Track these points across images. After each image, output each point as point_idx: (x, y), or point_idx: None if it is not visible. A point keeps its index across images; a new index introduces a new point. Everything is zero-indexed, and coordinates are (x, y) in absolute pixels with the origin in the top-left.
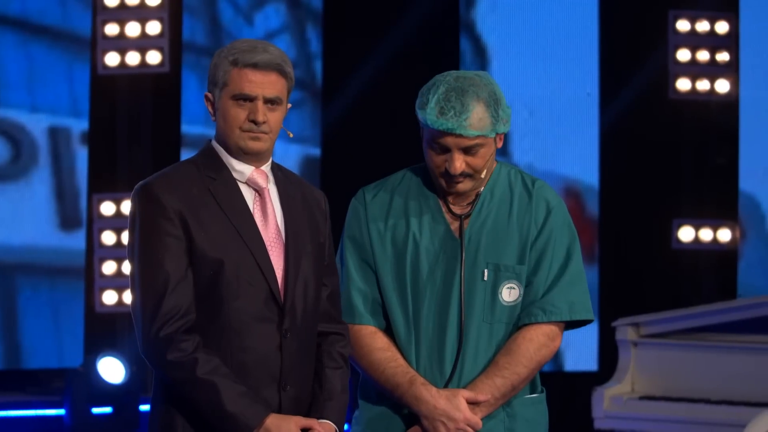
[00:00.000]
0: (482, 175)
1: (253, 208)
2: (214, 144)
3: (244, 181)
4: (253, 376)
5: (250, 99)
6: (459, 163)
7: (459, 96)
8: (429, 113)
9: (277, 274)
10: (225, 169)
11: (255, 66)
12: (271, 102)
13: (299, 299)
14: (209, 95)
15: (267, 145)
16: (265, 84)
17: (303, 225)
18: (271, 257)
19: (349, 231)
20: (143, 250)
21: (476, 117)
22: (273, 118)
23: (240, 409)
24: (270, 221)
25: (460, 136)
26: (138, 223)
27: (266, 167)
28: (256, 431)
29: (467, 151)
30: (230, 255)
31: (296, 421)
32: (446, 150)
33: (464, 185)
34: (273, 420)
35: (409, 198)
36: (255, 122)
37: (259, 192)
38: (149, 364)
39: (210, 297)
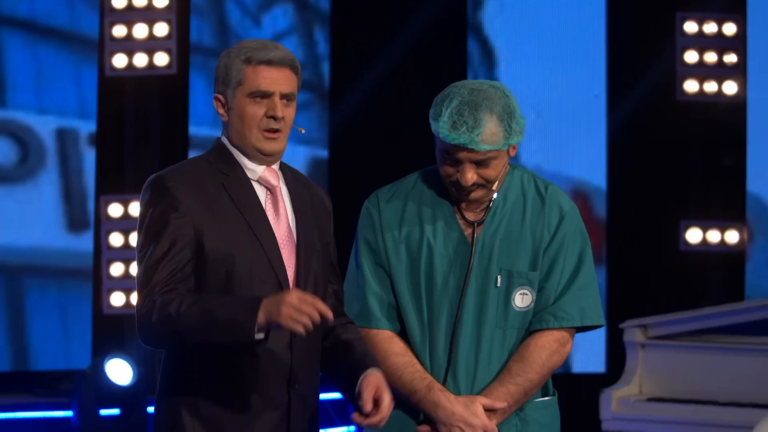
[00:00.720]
0: (494, 186)
1: (266, 206)
2: (225, 141)
3: (256, 179)
4: (264, 373)
5: (267, 95)
6: (470, 175)
7: (472, 110)
8: (441, 126)
9: (288, 273)
10: (238, 167)
11: (270, 62)
12: (286, 98)
13: None
14: (220, 96)
15: (283, 145)
16: (280, 80)
17: (312, 224)
18: (283, 255)
19: (363, 235)
20: (149, 248)
21: (489, 132)
22: (288, 114)
23: (235, 307)
24: (282, 219)
25: (472, 150)
26: (148, 217)
27: (276, 166)
28: (261, 313)
29: (479, 163)
30: (243, 251)
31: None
32: (458, 162)
33: (476, 194)
34: (266, 299)
35: (423, 204)
36: (274, 117)
37: (271, 190)
38: (149, 344)
39: (223, 293)
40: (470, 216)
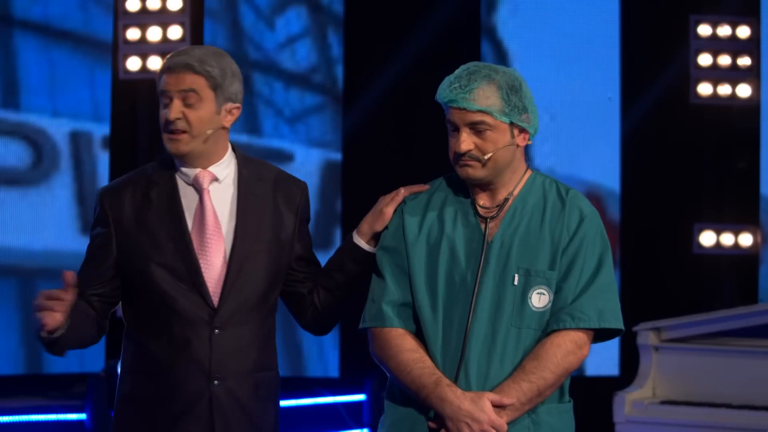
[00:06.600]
0: (497, 165)
1: (196, 210)
2: None
3: (190, 183)
4: (179, 366)
5: (169, 96)
6: (465, 140)
7: (471, 74)
8: (440, 89)
9: (212, 274)
10: (173, 173)
11: (169, 69)
12: (186, 98)
13: (235, 297)
14: None
15: (188, 147)
16: (177, 81)
17: (260, 223)
18: (208, 258)
19: (384, 239)
20: (85, 259)
21: (482, 93)
22: (192, 115)
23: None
24: (210, 222)
25: (464, 109)
26: (91, 228)
27: (217, 167)
28: None
29: (475, 130)
30: (162, 259)
31: None
32: (457, 129)
33: (474, 171)
34: None
35: (447, 203)
36: (168, 121)
37: (200, 193)
38: None
39: (146, 298)
40: (483, 212)
